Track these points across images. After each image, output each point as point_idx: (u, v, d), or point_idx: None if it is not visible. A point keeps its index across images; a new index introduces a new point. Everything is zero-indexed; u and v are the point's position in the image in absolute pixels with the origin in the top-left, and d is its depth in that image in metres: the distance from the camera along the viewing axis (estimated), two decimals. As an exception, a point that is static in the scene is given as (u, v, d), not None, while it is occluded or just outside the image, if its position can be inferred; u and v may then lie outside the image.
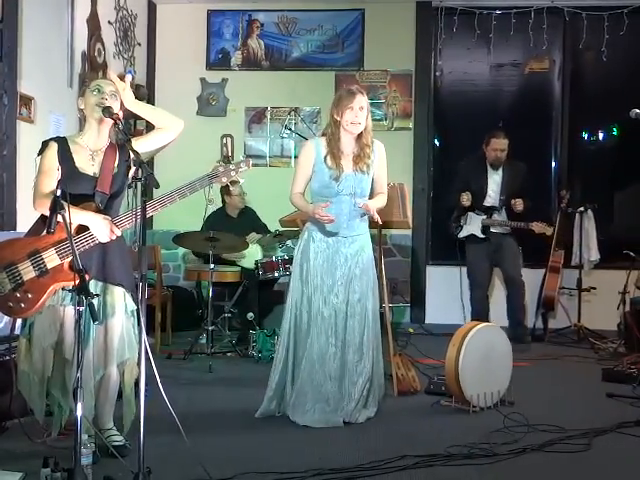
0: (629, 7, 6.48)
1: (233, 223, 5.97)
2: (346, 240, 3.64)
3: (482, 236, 5.70)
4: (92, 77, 3.32)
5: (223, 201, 6.06)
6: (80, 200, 2.83)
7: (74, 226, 2.81)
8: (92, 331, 2.90)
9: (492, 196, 5.73)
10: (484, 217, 5.70)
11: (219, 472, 2.73)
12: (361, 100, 3.56)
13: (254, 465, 2.88)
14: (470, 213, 5.75)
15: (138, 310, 2.50)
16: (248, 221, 6.14)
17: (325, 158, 3.60)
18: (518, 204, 5.55)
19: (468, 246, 5.85)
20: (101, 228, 2.81)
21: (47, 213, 2.62)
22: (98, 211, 2.87)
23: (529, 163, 5.90)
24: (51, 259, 2.78)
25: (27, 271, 2.76)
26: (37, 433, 3.14)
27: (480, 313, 5.70)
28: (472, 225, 5.75)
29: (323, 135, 3.70)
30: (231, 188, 5.97)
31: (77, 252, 2.75)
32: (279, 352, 3.70)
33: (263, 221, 6.26)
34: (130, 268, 3.00)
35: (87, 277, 2.81)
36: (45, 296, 2.77)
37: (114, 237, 2.85)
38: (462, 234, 5.81)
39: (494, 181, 5.74)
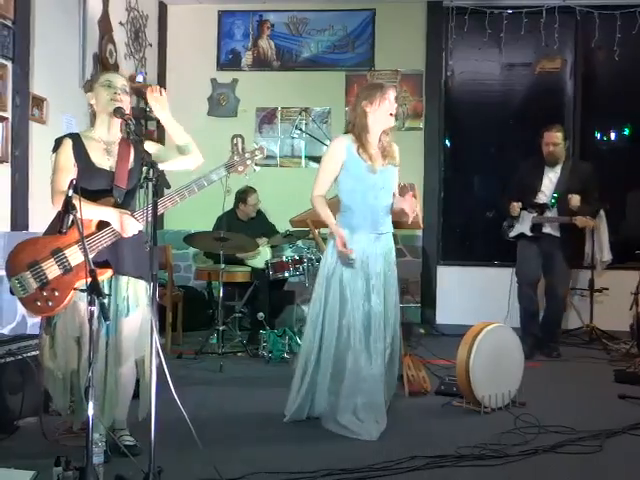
0: (642, 6, 6.46)
1: (244, 225, 5.99)
2: (381, 237, 3.54)
3: (530, 234, 5.39)
4: (101, 72, 3.31)
5: (236, 204, 6.07)
6: (98, 195, 2.85)
7: (94, 222, 2.83)
8: (116, 325, 2.92)
9: (545, 193, 5.40)
10: (535, 215, 5.38)
11: (229, 472, 2.73)
12: (394, 92, 3.53)
13: (264, 465, 2.89)
14: (523, 211, 5.45)
15: (155, 306, 2.50)
16: (258, 224, 6.16)
17: (358, 151, 3.46)
18: (573, 200, 5.20)
19: (518, 244, 5.56)
20: (123, 223, 2.82)
21: None
22: (117, 206, 2.89)
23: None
24: (74, 256, 2.79)
25: (52, 269, 2.78)
26: (50, 432, 3.16)
27: (527, 313, 5.47)
28: (523, 224, 5.44)
29: (347, 133, 3.55)
30: (248, 197, 6.00)
31: (100, 247, 2.81)
32: (309, 357, 3.53)
33: (271, 221, 6.28)
34: (157, 258, 3.00)
35: (111, 272, 2.87)
36: (72, 293, 2.78)
37: (136, 232, 2.86)
38: (512, 234, 5.53)
39: (549, 179, 5.42)
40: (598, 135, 6.92)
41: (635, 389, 4.21)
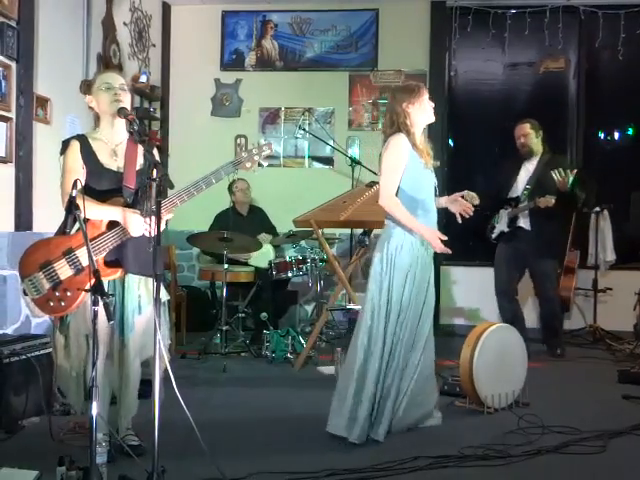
0: (646, 6, 6.45)
1: (242, 221, 5.98)
2: None
3: (507, 230, 5.34)
4: (96, 73, 3.29)
5: (231, 199, 6.07)
6: (107, 196, 2.86)
7: (105, 222, 2.84)
8: (131, 323, 2.93)
9: (519, 187, 5.36)
10: (509, 210, 5.35)
11: (233, 471, 2.74)
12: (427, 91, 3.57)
13: (267, 465, 2.89)
14: (501, 210, 5.42)
15: (159, 306, 2.51)
16: (257, 220, 6.16)
17: (413, 148, 3.47)
18: (542, 202, 5.08)
19: (498, 245, 5.47)
20: (133, 222, 2.83)
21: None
22: (126, 206, 2.89)
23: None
24: (86, 257, 2.78)
25: (64, 270, 2.79)
26: (54, 432, 3.17)
27: (504, 321, 5.23)
28: (501, 223, 5.42)
29: (395, 133, 3.48)
30: (233, 186, 5.99)
31: (110, 247, 2.83)
32: (370, 363, 3.33)
33: (275, 221, 6.28)
34: (161, 258, 3.01)
35: (122, 271, 2.88)
36: (84, 293, 2.78)
37: (144, 231, 2.86)
38: (494, 235, 5.46)
39: (525, 172, 5.38)
40: (602, 135, 6.91)
41: (639, 389, 4.20)
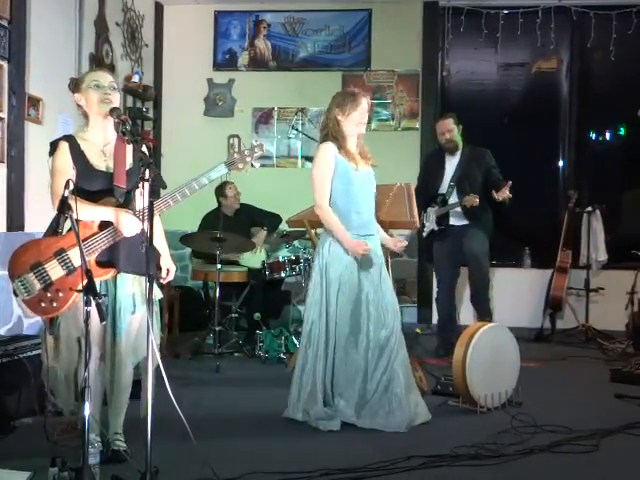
0: (637, 6, 6.46)
1: (230, 222, 5.95)
2: (371, 238, 3.62)
3: (436, 228, 5.35)
4: (86, 72, 3.26)
5: (219, 202, 6.03)
6: (98, 196, 2.85)
7: (97, 223, 2.83)
8: (124, 322, 2.92)
9: (444, 184, 5.36)
10: (436, 208, 5.34)
11: (226, 472, 2.73)
12: (367, 101, 3.64)
13: (261, 465, 2.89)
14: (428, 209, 5.39)
15: (151, 307, 2.51)
16: (245, 218, 6.11)
17: (341, 153, 3.58)
18: (467, 201, 5.05)
19: (433, 244, 5.49)
20: (126, 222, 2.82)
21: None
22: (118, 206, 2.87)
23: (537, 163, 5.85)
24: (78, 257, 2.77)
25: (55, 270, 2.77)
26: (48, 432, 3.16)
27: (444, 316, 5.46)
28: (430, 221, 5.40)
29: (325, 140, 3.65)
30: (226, 190, 5.96)
31: (103, 247, 2.81)
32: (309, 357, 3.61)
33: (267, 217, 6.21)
34: (153, 258, 2.99)
35: (115, 271, 2.86)
36: (76, 293, 2.77)
37: (138, 230, 2.84)
38: (425, 233, 5.47)
39: (450, 167, 5.38)
40: (594, 135, 6.93)
41: (631, 388, 4.22)
